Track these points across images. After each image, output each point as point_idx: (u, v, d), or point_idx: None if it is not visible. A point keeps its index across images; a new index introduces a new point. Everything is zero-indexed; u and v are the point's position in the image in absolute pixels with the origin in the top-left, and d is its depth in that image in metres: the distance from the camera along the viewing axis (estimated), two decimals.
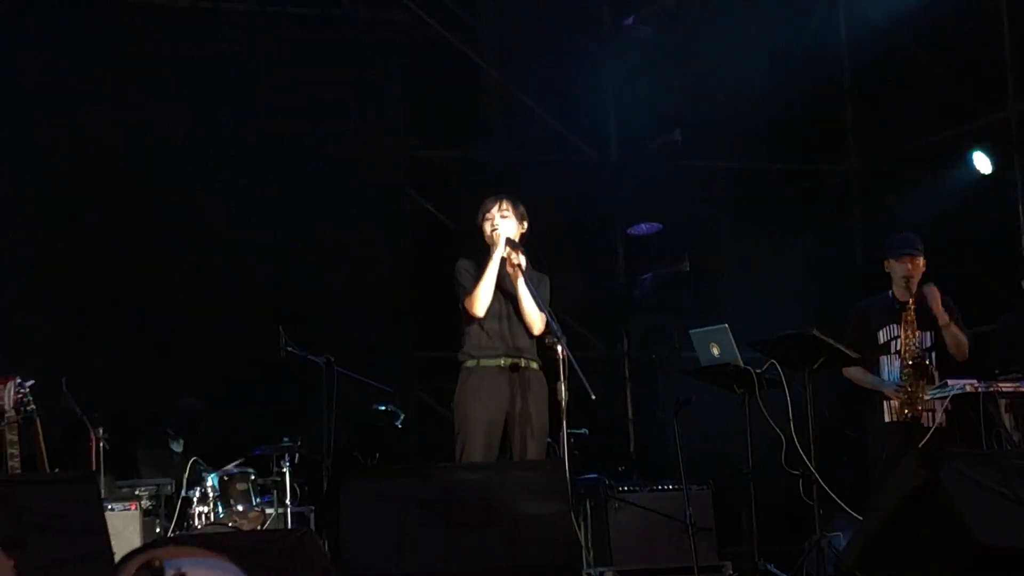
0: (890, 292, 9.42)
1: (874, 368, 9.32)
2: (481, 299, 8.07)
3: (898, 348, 9.26)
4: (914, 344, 9.15)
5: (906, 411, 9.08)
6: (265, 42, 12.33)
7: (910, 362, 9.10)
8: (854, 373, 9.31)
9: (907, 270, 9.25)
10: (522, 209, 8.28)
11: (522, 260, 8.03)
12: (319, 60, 12.46)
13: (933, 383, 9.13)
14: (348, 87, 12.66)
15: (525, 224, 8.29)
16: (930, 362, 9.17)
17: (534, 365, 8.15)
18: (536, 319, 8.07)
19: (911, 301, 9.15)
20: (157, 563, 4.71)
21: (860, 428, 9.50)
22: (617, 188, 13.01)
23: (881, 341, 9.29)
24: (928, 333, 9.25)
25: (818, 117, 13.23)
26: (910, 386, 9.08)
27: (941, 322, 9.15)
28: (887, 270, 9.40)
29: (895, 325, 9.29)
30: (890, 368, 9.29)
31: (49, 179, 11.64)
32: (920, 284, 9.24)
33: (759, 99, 12.34)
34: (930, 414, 9.09)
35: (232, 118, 12.18)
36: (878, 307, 9.42)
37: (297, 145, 12.43)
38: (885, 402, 9.21)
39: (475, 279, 8.13)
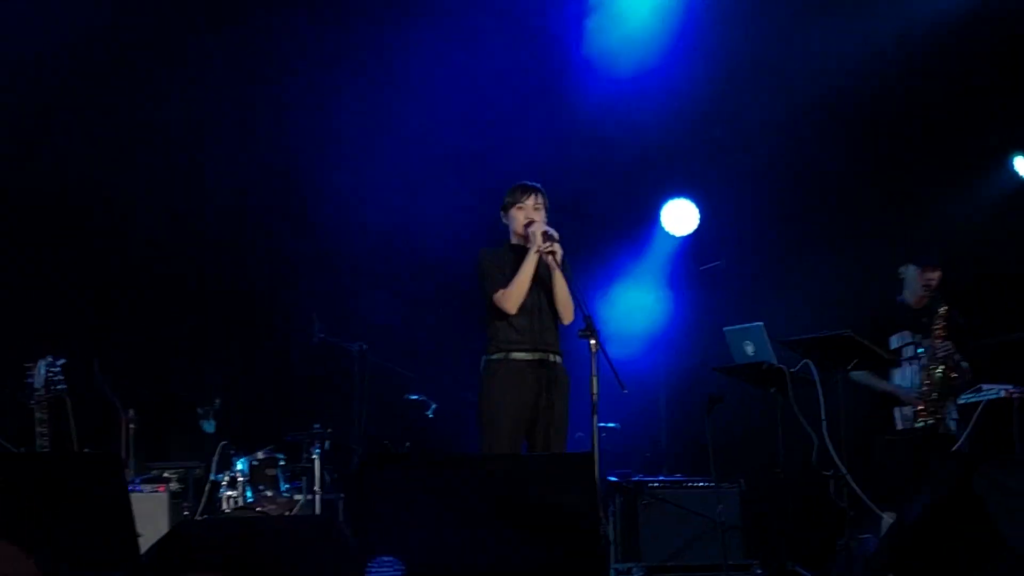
0: (900, 298, 9.37)
1: (883, 373, 9.24)
2: (516, 297, 8.06)
3: (911, 355, 9.20)
4: (942, 351, 9.08)
5: (922, 419, 9.00)
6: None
7: (939, 368, 9.03)
8: (864, 377, 9.22)
9: (929, 279, 9.22)
10: (547, 200, 8.27)
11: (559, 251, 8.00)
12: None
13: (958, 391, 9.07)
14: None
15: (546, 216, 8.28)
16: (958, 372, 9.11)
17: (559, 359, 8.14)
18: (570, 310, 8.06)
19: (944, 310, 9.07)
20: None
21: (868, 433, 9.37)
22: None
23: (894, 347, 9.23)
24: (950, 343, 9.18)
25: (858, 117, 13.12)
26: (935, 393, 9.01)
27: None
28: (902, 276, 9.36)
29: (908, 332, 9.24)
30: (902, 374, 9.22)
31: (80, 160, 11.60)
32: (936, 297, 9.19)
33: (803, 95, 12.24)
34: (943, 422, 9.03)
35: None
36: (891, 312, 9.36)
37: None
38: (897, 409, 9.13)
39: (501, 272, 8.10)
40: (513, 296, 8.07)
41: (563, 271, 8.03)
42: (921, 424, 8.99)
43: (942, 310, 9.06)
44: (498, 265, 8.17)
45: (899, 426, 9.11)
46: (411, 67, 12.04)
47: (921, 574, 6.76)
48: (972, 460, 6.69)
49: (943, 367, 9.04)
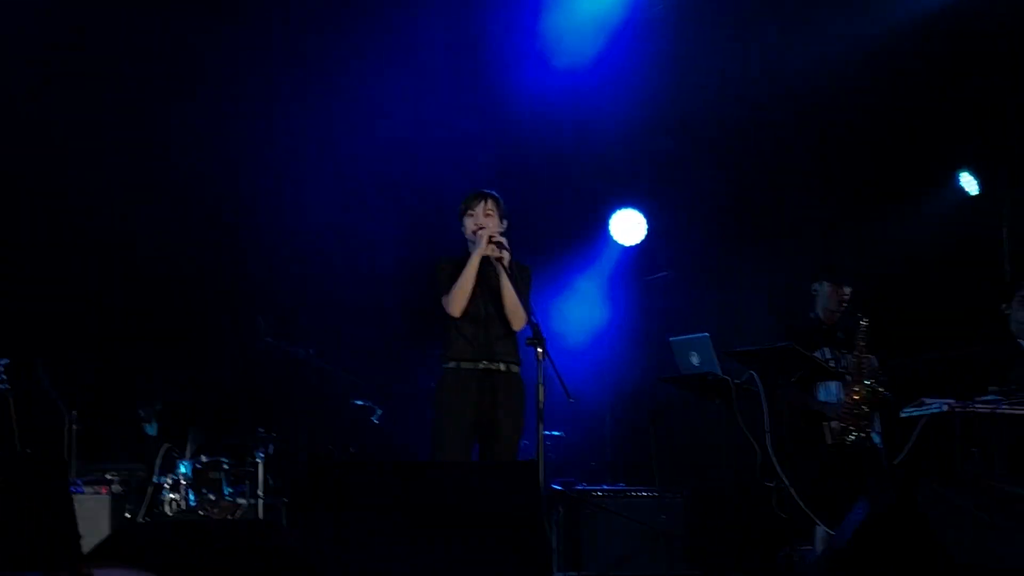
0: (812, 314, 9.43)
1: (808, 389, 9.28)
2: (458, 299, 8.07)
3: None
4: (868, 366, 9.14)
5: (852, 433, 9.04)
6: None
7: (868, 382, 9.08)
8: (790, 395, 9.24)
9: (843, 295, 9.30)
10: (504, 206, 8.27)
11: (506, 256, 8.01)
12: None
13: (885, 406, 9.13)
14: None
15: (505, 223, 8.28)
16: (883, 386, 9.16)
17: (513, 368, 8.14)
18: (519, 316, 8.07)
19: (866, 324, 9.12)
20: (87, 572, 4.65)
21: (799, 449, 9.37)
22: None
23: None
24: (874, 357, 9.25)
25: (807, 129, 13.19)
26: (864, 406, 9.06)
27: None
28: (814, 292, 9.42)
29: (827, 348, 9.30)
30: (826, 390, 9.27)
31: (24, 158, 11.51)
32: (846, 312, 9.27)
33: (752, 108, 12.29)
34: (869, 437, 9.08)
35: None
36: (809, 329, 9.41)
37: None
38: (826, 424, 9.17)
39: (453, 279, 8.11)
40: (455, 298, 8.08)
41: (518, 277, 8.04)
42: (852, 438, 9.02)
43: (864, 324, 9.11)
44: (450, 272, 8.17)
45: (828, 440, 9.14)
46: (360, 78, 12.02)
47: None
48: (913, 475, 6.74)
49: (871, 380, 9.09)
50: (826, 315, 9.37)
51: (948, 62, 12.23)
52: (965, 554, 6.36)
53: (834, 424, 9.09)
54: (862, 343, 9.10)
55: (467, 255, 8.24)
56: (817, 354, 9.28)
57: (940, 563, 6.38)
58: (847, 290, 9.31)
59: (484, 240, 8.05)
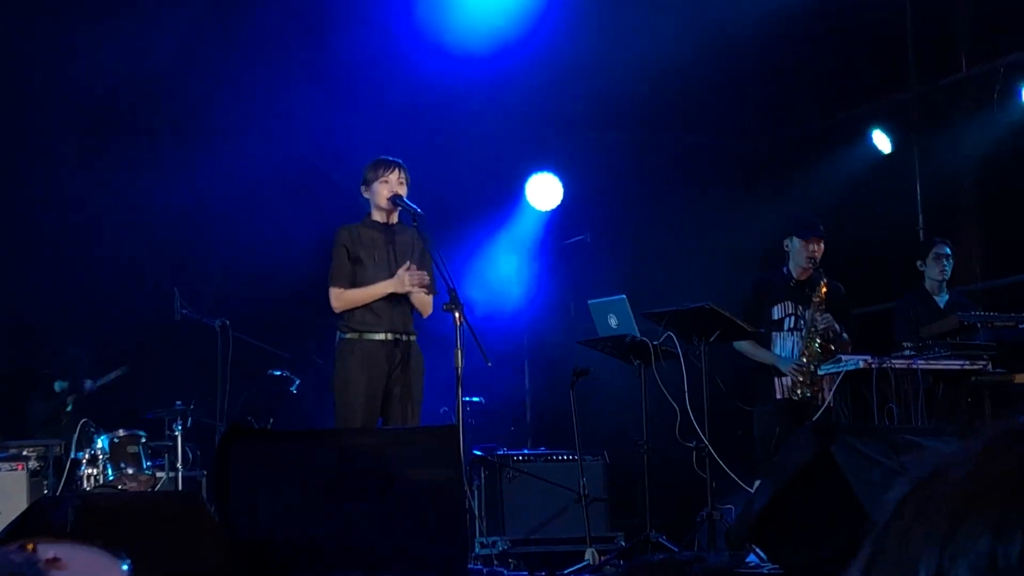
0: (785, 269, 9.47)
1: (766, 344, 9.36)
2: (346, 306, 8.09)
3: (792, 325, 9.31)
4: (821, 324, 9.19)
5: (799, 390, 9.10)
6: None
7: (818, 341, 9.13)
8: (746, 347, 9.35)
9: (813, 251, 9.31)
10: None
11: (423, 294, 8.02)
12: None
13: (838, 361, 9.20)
14: None
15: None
16: (836, 344, 9.22)
17: (413, 337, 8.15)
18: (427, 308, 8.12)
19: (824, 283, 9.17)
20: (31, 547, 4.60)
21: (750, 402, 9.52)
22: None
23: (775, 317, 9.34)
24: (829, 315, 9.29)
25: (722, 91, 13.25)
26: (813, 364, 9.12)
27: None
28: (787, 248, 9.45)
29: (790, 302, 9.35)
30: (783, 345, 9.33)
31: None
32: (819, 270, 9.31)
33: (665, 72, 12.31)
34: (821, 393, 9.15)
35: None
36: (774, 283, 9.47)
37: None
38: (777, 379, 9.24)
39: (352, 258, 8.07)
40: (346, 304, 8.09)
41: (429, 251, 8.04)
42: (799, 395, 9.08)
43: (822, 283, 9.16)
44: (348, 247, 8.13)
45: (779, 396, 9.21)
46: (273, 54, 11.95)
47: (780, 543, 6.86)
48: (830, 429, 6.79)
49: (820, 340, 9.14)
50: (797, 271, 9.39)
51: (855, 19, 12.32)
52: (879, 507, 6.41)
53: (786, 380, 9.15)
54: (817, 300, 9.15)
55: (369, 221, 8.21)
56: (776, 308, 9.31)
57: (856, 517, 6.42)
58: (818, 246, 9.32)
59: (406, 280, 7.99)
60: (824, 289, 9.18)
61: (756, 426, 9.40)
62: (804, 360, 9.15)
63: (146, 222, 11.98)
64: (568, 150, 13.06)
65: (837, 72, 12.89)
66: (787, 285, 9.41)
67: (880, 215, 12.52)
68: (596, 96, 12.84)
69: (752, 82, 13.62)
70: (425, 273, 8.03)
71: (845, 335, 9.39)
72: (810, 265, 9.31)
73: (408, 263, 8.03)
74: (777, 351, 9.32)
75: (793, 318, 9.32)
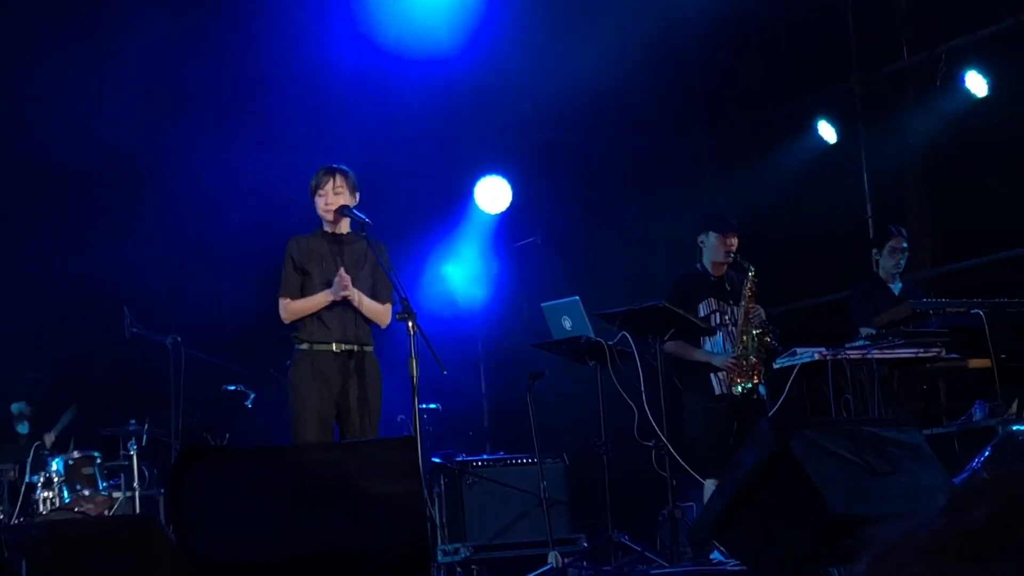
0: (699, 266, 9.44)
1: (694, 343, 9.30)
2: (293, 317, 8.04)
3: (718, 321, 9.27)
4: (756, 316, 9.17)
5: (740, 384, 9.07)
6: None
7: (755, 332, 9.12)
8: (675, 348, 9.25)
9: (730, 244, 9.30)
10: (354, 180, 8.18)
11: (355, 296, 7.97)
12: None
13: (773, 356, 9.18)
14: None
15: (357, 195, 8.20)
16: (771, 336, 9.20)
17: (368, 349, 8.09)
18: (383, 320, 8.07)
19: (753, 274, 9.15)
20: None
21: (678, 402, 9.38)
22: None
23: (701, 314, 9.28)
24: (760, 308, 9.27)
25: (667, 89, 13.26)
26: (752, 356, 9.09)
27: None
28: (701, 244, 9.41)
29: (713, 299, 9.31)
30: (713, 341, 9.29)
31: None
32: (734, 263, 9.29)
33: (609, 71, 12.31)
34: (759, 384, 9.12)
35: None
36: (694, 281, 9.40)
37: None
38: (713, 375, 9.19)
39: (297, 269, 8.03)
40: (293, 315, 8.05)
41: (379, 258, 7.99)
42: (739, 388, 9.06)
43: (751, 274, 9.14)
44: (296, 259, 8.09)
45: (717, 391, 9.17)
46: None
47: (742, 539, 6.85)
48: (788, 424, 6.78)
49: (758, 331, 9.13)
50: (713, 267, 9.35)
51: (796, 10, 12.36)
52: (840, 501, 6.41)
53: (721, 375, 9.12)
54: (749, 293, 9.13)
55: (320, 232, 8.16)
56: (702, 305, 9.28)
57: (816, 511, 6.42)
58: (733, 240, 9.30)
59: (336, 289, 7.97)
60: (753, 283, 9.16)
61: (692, 424, 9.25)
62: (741, 352, 9.11)
63: (95, 241, 11.88)
64: (515, 153, 13.05)
65: (780, 64, 12.92)
66: (708, 281, 9.36)
67: (828, 205, 12.55)
68: (542, 98, 12.85)
69: (696, 77, 13.65)
70: (348, 276, 7.98)
71: (776, 329, 9.34)
72: (728, 259, 9.30)
73: (340, 271, 7.99)
74: (708, 348, 9.28)
75: (719, 314, 9.29)
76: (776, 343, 9.17)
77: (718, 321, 9.27)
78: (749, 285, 9.15)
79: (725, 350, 9.18)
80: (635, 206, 13.16)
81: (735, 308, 9.23)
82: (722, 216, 9.47)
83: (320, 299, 8.00)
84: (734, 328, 9.21)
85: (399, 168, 12.08)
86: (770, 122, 13.33)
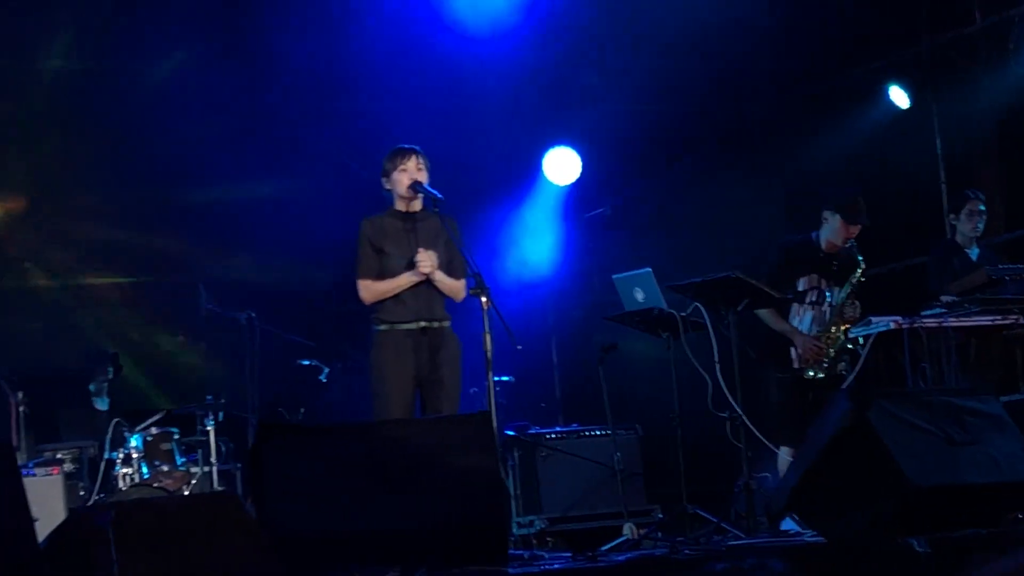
0: (815, 235, 9.33)
1: (784, 313, 9.25)
2: (374, 298, 8.07)
3: (814, 300, 9.21)
4: (850, 314, 9.09)
5: (812, 369, 9.02)
6: None
7: (844, 328, 9.03)
8: (766, 316, 9.21)
9: (852, 233, 9.20)
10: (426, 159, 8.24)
11: (438, 274, 7.99)
12: None
13: (848, 354, 9.12)
14: None
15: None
16: (852, 342, 9.12)
17: (446, 324, 8.12)
18: (459, 295, 8.10)
19: (861, 271, 9.07)
20: None
21: (752, 373, 9.32)
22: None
23: (800, 288, 9.22)
24: (859, 304, 9.18)
25: (734, 56, 13.18)
26: (832, 350, 9.03)
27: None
28: (825, 219, 9.28)
29: (816, 275, 9.23)
30: (802, 317, 9.24)
31: None
32: (849, 247, 9.20)
33: (677, 39, 12.25)
34: (832, 372, 9.06)
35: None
36: (804, 251, 9.28)
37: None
38: (793, 348, 9.15)
39: (377, 249, 8.04)
40: (374, 296, 8.07)
41: (452, 234, 8.01)
42: (810, 373, 9.01)
43: (860, 271, 9.04)
44: (372, 240, 8.11)
45: (796, 364, 9.13)
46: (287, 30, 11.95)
47: (820, 510, 6.84)
48: (866, 395, 6.74)
49: (847, 327, 9.05)
50: (827, 244, 9.27)
51: None
52: (919, 472, 6.39)
53: (800, 352, 9.07)
54: (852, 286, 9.07)
55: (392, 211, 8.18)
56: (803, 280, 9.21)
57: (895, 482, 6.40)
58: (856, 230, 9.21)
59: (419, 269, 7.99)
60: (859, 279, 9.07)
61: (774, 391, 9.24)
62: (822, 340, 9.04)
63: (168, 217, 12.00)
64: (583, 123, 13.00)
65: (848, 28, 12.80)
66: (816, 256, 9.26)
67: (901, 171, 12.44)
68: (609, 67, 12.79)
69: (763, 44, 13.55)
70: (432, 252, 8.00)
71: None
72: (844, 244, 9.21)
73: (420, 250, 8.01)
74: (795, 323, 9.22)
75: (816, 292, 9.22)
76: (852, 345, 9.10)
77: (814, 299, 9.19)
78: (856, 280, 9.08)
79: (811, 330, 9.12)
80: (703, 175, 13.10)
81: (835, 290, 9.15)
82: (855, 206, 9.25)
83: (403, 281, 8.03)
84: (828, 309, 9.14)
85: (468, 143, 12.08)
86: (840, 87, 13.21)
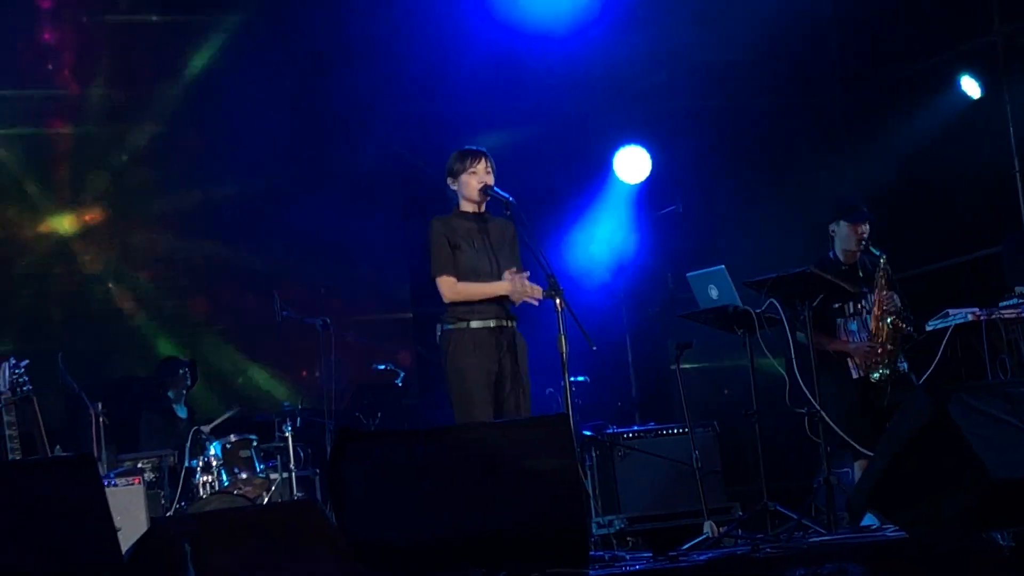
0: (831, 254, 9.30)
1: (830, 332, 9.16)
2: (458, 298, 8.02)
3: (853, 310, 9.14)
4: (889, 302, 9.02)
5: (878, 371, 8.94)
6: None
7: (889, 320, 8.97)
8: (817, 342, 9.04)
9: (862, 233, 9.16)
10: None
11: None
12: None
13: (909, 341, 9.03)
14: None
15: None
16: (905, 322, 9.04)
17: (514, 323, 8.09)
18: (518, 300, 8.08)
19: (885, 260, 8.99)
20: None
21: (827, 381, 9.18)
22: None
23: (835, 305, 9.15)
24: (895, 294, 9.11)
25: (802, 49, 13.12)
26: (889, 344, 8.95)
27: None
28: (832, 233, 9.26)
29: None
30: (847, 330, 9.16)
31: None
32: (869, 247, 9.13)
33: (746, 35, 12.21)
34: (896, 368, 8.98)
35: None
36: (827, 271, 9.22)
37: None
38: (850, 360, 9.06)
39: (451, 247, 8.01)
40: (458, 296, 8.03)
41: (523, 237, 8.01)
42: (876, 375, 8.94)
43: (883, 260, 8.98)
44: (448, 237, 8.08)
45: (855, 376, 9.04)
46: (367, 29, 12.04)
47: (901, 506, 6.78)
48: (944, 389, 6.68)
49: (892, 318, 8.98)
50: (845, 255, 9.22)
51: None
52: (1001, 466, 6.32)
53: (858, 360, 8.99)
54: (882, 280, 8.99)
55: (459, 212, 8.15)
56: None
57: (977, 477, 6.34)
58: (864, 228, 9.16)
59: (511, 286, 7.96)
60: (885, 270, 9.00)
61: (834, 407, 9.04)
62: (879, 340, 8.97)
63: (242, 228, 12.10)
64: (653, 121, 12.98)
65: (918, 18, 12.70)
66: (839, 270, 9.20)
67: (974, 161, 12.33)
68: (678, 65, 12.77)
69: (831, 36, 13.49)
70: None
71: (910, 315, 9.16)
72: (859, 248, 9.16)
73: (514, 269, 7.97)
74: (842, 336, 9.15)
75: (852, 303, 9.16)
76: (911, 328, 9.02)
77: (852, 310, 9.14)
78: (881, 272, 9.01)
79: (860, 338, 9.06)
80: (773, 170, 13.05)
81: (869, 295, 9.09)
82: (853, 205, 9.29)
83: (494, 289, 7.95)
84: (868, 315, 9.08)
85: (539, 143, 12.10)
86: (910, 78, 13.12)
